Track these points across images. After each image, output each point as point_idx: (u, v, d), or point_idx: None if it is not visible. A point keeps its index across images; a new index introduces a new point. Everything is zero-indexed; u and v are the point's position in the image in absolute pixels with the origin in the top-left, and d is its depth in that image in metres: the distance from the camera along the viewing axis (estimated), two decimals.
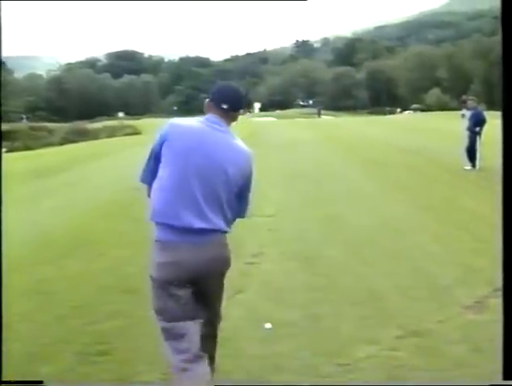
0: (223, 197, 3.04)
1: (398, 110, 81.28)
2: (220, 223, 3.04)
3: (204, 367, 3.09)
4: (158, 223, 3.05)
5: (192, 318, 3.08)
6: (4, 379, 3.70)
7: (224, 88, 3.24)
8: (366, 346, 4.18)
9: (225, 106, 3.12)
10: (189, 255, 3.00)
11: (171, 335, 3.06)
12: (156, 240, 3.07)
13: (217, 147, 3.05)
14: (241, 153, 3.16)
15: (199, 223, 2.97)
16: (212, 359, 3.34)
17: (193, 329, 3.08)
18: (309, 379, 3.76)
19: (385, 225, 8.31)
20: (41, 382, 3.44)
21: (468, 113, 15.22)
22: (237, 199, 3.18)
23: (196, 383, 3.04)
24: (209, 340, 3.30)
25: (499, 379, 3.02)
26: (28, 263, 6.76)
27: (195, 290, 3.11)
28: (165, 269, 3.02)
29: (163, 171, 3.03)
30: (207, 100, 3.18)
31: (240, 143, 3.19)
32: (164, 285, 3.04)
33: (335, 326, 4.61)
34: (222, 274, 3.21)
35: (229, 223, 3.14)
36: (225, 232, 3.13)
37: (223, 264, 3.16)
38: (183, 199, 2.98)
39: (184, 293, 3.05)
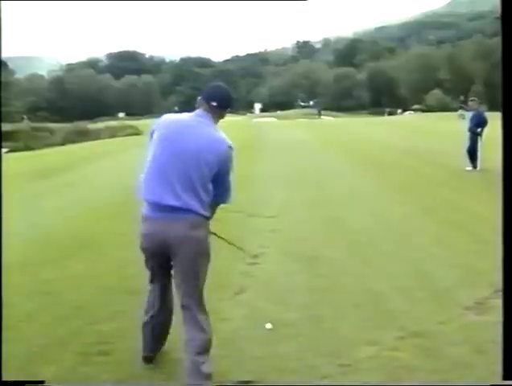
0: (197, 180, 3.42)
1: (399, 111, 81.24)
2: (192, 203, 3.41)
3: (161, 318, 3.89)
4: (143, 200, 3.56)
5: (162, 283, 3.77)
6: (5, 379, 3.71)
7: (215, 88, 3.69)
8: (367, 347, 4.19)
9: (213, 104, 3.55)
10: (162, 229, 3.45)
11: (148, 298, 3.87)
12: (142, 214, 3.60)
13: (196, 136, 3.46)
14: (218, 143, 3.50)
15: (171, 201, 3.39)
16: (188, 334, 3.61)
17: (160, 290, 3.79)
18: (310, 379, 3.77)
19: (386, 226, 8.32)
20: (42, 382, 3.43)
21: (468, 114, 15.24)
22: (216, 185, 3.54)
23: (150, 329, 3.88)
24: (186, 313, 3.61)
25: (500, 381, 3.02)
26: (30, 263, 6.77)
27: (172, 263, 3.58)
28: (144, 239, 3.61)
29: (149, 155, 3.55)
30: (199, 97, 3.62)
31: (220, 135, 3.55)
32: (144, 252, 3.68)
33: (336, 327, 4.62)
34: (195, 254, 3.51)
35: (204, 205, 3.48)
36: (202, 216, 3.48)
37: (194, 244, 3.48)
38: (160, 179, 3.44)
39: (158, 260, 3.63)
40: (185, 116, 3.62)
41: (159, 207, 3.44)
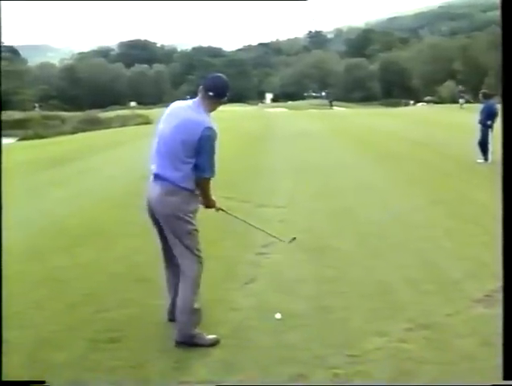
0: (175, 155, 4.01)
1: (412, 102, 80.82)
2: (169, 174, 4.01)
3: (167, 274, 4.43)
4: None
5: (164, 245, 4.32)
6: (4, 378, 3.74)
7: (213, 79, 4.18)
8: (375, 339, 4.20)
9: (210, 93, 4.07)
10: (149, 194, 4.15)
11: None
12: None
13: (178, 119, 4.06)
14: (195, 124, 3.98)
15: (157, 170, 4.09)
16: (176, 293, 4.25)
17: (164, 251, 4.36)
18: (318, 370, 3.78)
19: (395, 218, 8.29)
20: (43, 382, 3.47)
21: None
22: (196, 162, 4.01)
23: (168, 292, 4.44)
24: (178, 272, 4.20)
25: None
26: (41, 251, 6.82)
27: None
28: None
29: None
30: (201, 86, 4.12)
31: (200, 117, 4.02)
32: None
33: (344, 318, 4.63)
34: (168, 217, 4.05)
35: (183, 177, 4.00)
36: (178, 185, 4.00)
37: (166, 207, 4.03)
38: (156, 155, 4.14)
39: (156, 225, 4.23)
40: (182, 103, 4.24)
41: (153, 176, 4.14)
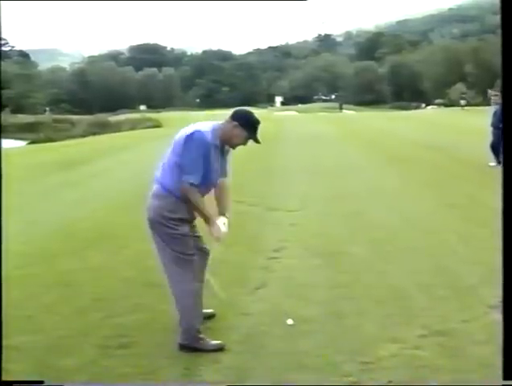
0: (169, 162, 4.08)
1: (423, 105, 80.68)
2: (162, 177, 4.08)
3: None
4: None
5: None
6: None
7: (244, 111, 4.28)
8: (389, 345, 4.13)
9: (234, 120, 4.09)
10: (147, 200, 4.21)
11: None
12: None
13: (184, 130, 4.10)
14: (187, 130, 4.04)
15: (156, 172, 4.19)
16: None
17: None
18: (331, 377, 3.72)
19: (408, 222, 8.22)
20: (42, 382, 3.44)
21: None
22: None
23: None
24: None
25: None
26: (51, 254, 6.80)
27: None
28: None
29: None
30: (235, 122, 4.08)
31: (194, 126, 4.04)
32: None
33: (357, 324, 4.57)
34: (153, 222, 4.09)
35: (174, 183, 4.00)
36: (167, 190, 4.03)
37: (151, 211, 4.10)
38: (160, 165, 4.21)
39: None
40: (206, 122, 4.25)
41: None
